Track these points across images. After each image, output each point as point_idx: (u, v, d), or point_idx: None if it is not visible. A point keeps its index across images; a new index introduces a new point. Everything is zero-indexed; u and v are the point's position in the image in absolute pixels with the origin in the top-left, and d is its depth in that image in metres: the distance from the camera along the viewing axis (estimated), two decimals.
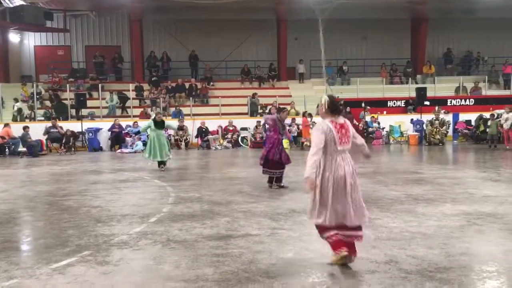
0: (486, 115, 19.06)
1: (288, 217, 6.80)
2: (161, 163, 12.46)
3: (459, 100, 22.77)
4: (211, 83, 24.56)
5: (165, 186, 9.74)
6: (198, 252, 5.15)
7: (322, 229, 4.71)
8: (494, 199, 7.77)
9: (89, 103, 21.65)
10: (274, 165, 9.27)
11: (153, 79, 23.64)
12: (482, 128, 19.15)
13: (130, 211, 7.33)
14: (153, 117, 13.63)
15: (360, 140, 4.86)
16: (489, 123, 18.30)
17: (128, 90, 22.40)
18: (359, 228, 4.66)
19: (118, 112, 22.39)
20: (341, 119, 4.69)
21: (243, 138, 20.51)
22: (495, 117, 18.02)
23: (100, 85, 22.23)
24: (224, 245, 5.38)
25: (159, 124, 12.53)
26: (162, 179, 10.71)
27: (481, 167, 11.57)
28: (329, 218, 4.54)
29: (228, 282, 4.29)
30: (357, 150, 4.88)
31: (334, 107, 4.68)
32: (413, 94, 21.51)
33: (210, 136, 19.71)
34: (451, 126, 20.13)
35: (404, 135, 20.29)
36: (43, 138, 18.87)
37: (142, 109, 22.03)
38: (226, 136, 20.16)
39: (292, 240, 5.60)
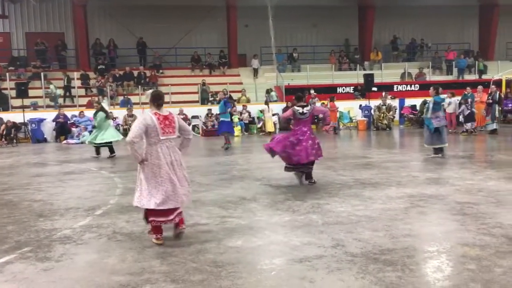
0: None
1: (238, 205, 6.78)
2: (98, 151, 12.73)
3: (405, 86, 23.48)
4: (161, 71, 24.10)
5: (112, 177, 9.48)
6: (145, 244, 5.04)
7: (152, 213, 5.03)
8: (436, 181, 8.06)
9: (31, 92, 20.72)
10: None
11: (99, 67, 22.90)
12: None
13: (75, 204, 7.08)
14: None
15: (187, 133, 5.40)
16: None
17: (73, 79, 21.59)
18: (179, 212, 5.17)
19: (70, 102, 21.59)
20: (166, 111, 5.14)
21: (194, 126, 20.29)
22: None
23: (42, 73, 21.29)
24: (172, 236, 5.29)
25: (95, 114, 12.99)
26: (110, 170, 10.42)
27: (425, 150, 11.96)
28: (158, 202, 4.93)
29: (176, 273, 4.22)
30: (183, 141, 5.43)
31: (156, 101, 5.12)
32: (361, 80, 21.96)
33: None
34: (397, 111, 20.73)
35: (353, 120, 20.72)
36: None
37: (89, 98, 21.31)
38: None
39: (241, 228, 5.59)
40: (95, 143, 12.66)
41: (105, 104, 13.85)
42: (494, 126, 16.23)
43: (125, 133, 18.89)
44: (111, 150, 12.74)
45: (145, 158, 5.02)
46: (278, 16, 22.96)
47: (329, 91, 22.38)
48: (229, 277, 4.10)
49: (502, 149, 12.95)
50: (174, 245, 4.98)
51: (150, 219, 5.08)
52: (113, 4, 24.11)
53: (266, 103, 20.13)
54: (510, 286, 3.72)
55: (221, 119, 14.48)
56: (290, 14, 24.59)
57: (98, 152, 12.76)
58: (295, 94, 8.84)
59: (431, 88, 11.47)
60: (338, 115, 19.89)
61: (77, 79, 21.91)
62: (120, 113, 19.66)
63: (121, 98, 21.43)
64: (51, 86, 21.02)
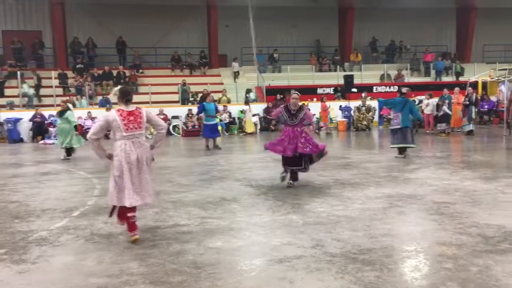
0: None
1: (218, 205, 6.75)
2: (68, 153, 12.44)
3: (384, 87, 23.75)
4: (140, 71, 23.89)
5: (90, 178, 9.35)
6: (124, 246, 4.98)
7: (121, 211, 5.10)
8: (414, 181, 8.17)
9: (7, 91, 20.32)
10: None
11: (77, 66, 22.59)
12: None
13: (52, 205, 6.95)
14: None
15: (159, 127, 5.35)
16: None
17: (50, 78, 21.24)
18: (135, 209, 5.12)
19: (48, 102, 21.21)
20: (132, 107, 5.10)
21: (174, 126, 20.19)
22: (416, 103, 18.93)
23: (19, 72, 20.89)
24: (151, 237, 5.24)
25: (61, 113, 12.53)
26: (88, 171, 10.27)
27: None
28: (127, 199, 4.95)
29: (154, 274, 4.18)
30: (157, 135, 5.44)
31: (125, 96, 5.11)
32: (342, 81, 22.13)
33: None
34: (377, 112, 20.96)
35: (334, 121, 20.86)
36: None
37: (67, 98, 20.96)
38: None
39: (221, 229, 5.56)
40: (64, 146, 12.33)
41: (71, 112, 12.94)
42: (471, 127, 16.54)
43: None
44: (69, 153, 12.42)
45: (111, 154, 5.08)
46: (259, 17, 22.98)
47: (309, 92, 22.49)
48: (209, 278, 4.08)
49: (478, 150, 13.19)
50: (153, 246, 4.93)
51: (127, 215, 5.09)
52: (92, 2, 23.80)
53: (247, 103, 20.14)
54: (485, 285, 3.79)
55: (210, 122, 14.06)
56: (270, 14, 24.65)
57: (69, 153, 12.47)
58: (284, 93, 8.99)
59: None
60: (329, 115, 19.90)
61: (55, 78, 21.55)
62: (99, 113, 19.38)
63: (100, 97, 21.16)
64: (24, 86, 20.64)
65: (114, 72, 22.87)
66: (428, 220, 5.72)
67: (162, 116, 19.87)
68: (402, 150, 11.11)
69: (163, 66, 24.90)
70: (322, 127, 19.07)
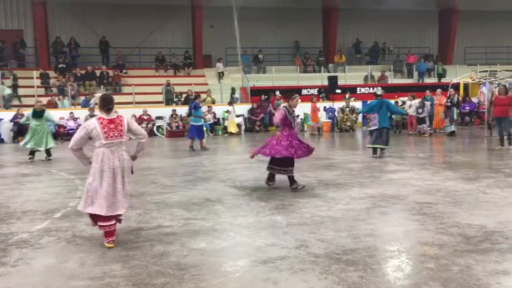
0: (392, 102, 20.14)
1: (202, 206, 6.72)
2: (47, 154, 12.27)
3: (368, 88, 23.91)
4: (124, 71, 23.67)
5: (72, 179, 9.23)
6: (106, 248, 4.92)
7: (95, 218, 5.01)
8: (397, 181, 8.24)
9: None
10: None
11: (59, 66, 22.30)
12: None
13: (33, 207, 6.84)
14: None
15: (140, 137, 5.22)
16: None
17: (32, 78, 20.94)
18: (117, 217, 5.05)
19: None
20: (113, 115, 5.02)
21: (158, 127, 20.06)
22: (399, 104, 19.14)
23: (0, 72, 20.55)
24: (134, 239, 5.20)
25: (38, 114, 12.22)
26: (70, 172, 10.13)
27: (386, 152, 12.23)
28: (101, 207, 4.87)
29: (137, 276, 4.14)
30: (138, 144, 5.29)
31: (106, 105, 5.01)
32: (326, 82, 22.23)
33: None
34: (360, 113, 21.08)
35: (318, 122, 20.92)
36: None
37: (49, 98, 20.69)
38: (141, 126, 19.55)
39: (205, 230, 5.54)
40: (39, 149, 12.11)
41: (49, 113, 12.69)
42: (453, 128, 16.75)
43: None
44: (33, 154, 12.23)
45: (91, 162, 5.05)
46: (244, 17, 22.95)
47: (294, 93, 22.51)
48: (193, 280, 4.05)
49: (460, 151, 13.37)
50: (136, 248, 4.89)
51: (98, 224, 5.01)
52: (74, 1, 23.53)
53: (231, 103, 20.10)
54: (466, 284, 3.83)
55: (197, 123, 13.93)
56: (255, 15, 24.66)
57: (49, 154, 12.32)
58: (286, 93, 8.66)
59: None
60: (319, 116, 19.93)
61: (37, 78, 21.24)
62: (81, 113, 19.18)
63: (82, 98, 20.92)
64: (1, 86, 20.30)
65: (97, 72, 22.61)
66: (411, 220, 5.77)
67: (146, 117, 19.79)
68: (376, 150, 11.46)
69: (147, 66, 24.73)
70: (312, 127, 19.18)
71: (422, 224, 5.55)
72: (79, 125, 18.25)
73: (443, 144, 14.80)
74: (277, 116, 7.90)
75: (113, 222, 4.98)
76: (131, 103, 20.74)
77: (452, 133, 16.53)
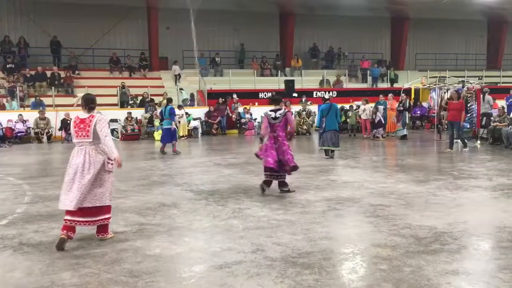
0: (347, 106, 20.58)
1: (158, 211, 6.60)
2: None
3: (323, 92, 24.28)
4: (77, 72, 22.97)
5: (21, 184, 8.85)
6: (55, 256, 4.73)
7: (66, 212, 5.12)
8: (352, 184, 8.39)
9: None
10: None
11: (8, 66, 21.39)
12: (343, 118, 20.63)
13: None
14: None
15: (104, 140, 5.11)
16: (349, 114, 19.78)
17: None
18: (85, 214, 5.08)
19: None
20: (86, 115, 5.15)
21: (113, 130, 19.55)
22: (354, 108, 19.56)
23: None
24: (86, 246, 5.03)
25: None
26: (18, 176, 9.73)
27: (341, 155, 12.45)
28: (65, 202, 5.02)
29: (88, 285, 4.00)
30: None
31: (86, 104, 5.20)
32: (283, 86, 22.41)
33: None
34: (317, 116, 21.35)
35: None
36: None
37: None
38: None
39: (160, 235, 5.43)
40: None
41: None
42: (405, 132, 17.26)
43: (36, 137, 17.85)
44: None
45: None
46: (200, 20, 22.83)
47: (251, 96, 22.61)
48: (147, 287, 3.96)
49: (412, 154, 13.78)
50: (87, 255, 4.73)
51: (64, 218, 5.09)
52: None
53: (181, 107, 19.33)
54: (417, 285, 3.93)
55: (169, 126, 13.60)
56: (212, 18, 24.56)
57: None
58: (272, 97, 8.71)
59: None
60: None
61: None
62: (31, 115, 18.50)
63: (32, 99, 20.15)
64: None
65: (48, 73, 21.84)
66: (365, 223, 5.88)
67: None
68: (328, 152, 11.95)
69: (101, 68, 24.11)
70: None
71: (376, 226, 5.66)
72: (29, 128, 17.83)
73: (395, 148, 15.22)
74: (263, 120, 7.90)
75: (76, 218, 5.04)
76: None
77: (404, 137, 17.02)
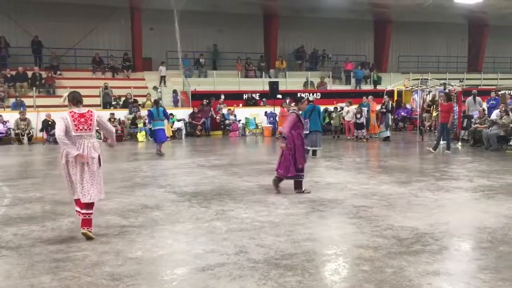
0: (331, 108, 20.69)
1: (140, 213, 6.54)
2: None
3: (308, 94, 24.37)
4: (58, 72, 22.68)
5: (0, 186, 8.69)
6: (35, 259, 4.65)
7: (77, 204, 5.34)
8: (335, 186, 8.42)
9: None
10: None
11: None
12: (327, 120, 20.73)
13: None
14: None
15: (109, 131, 5.81)
16: (333, 115, 19.89)
17: None
18: (90, 206, 5.32)
19: None
20: (83, 110, 5.40)
21: (96, 131, 19.35)
22: (338, 110, 19.66)
23: None
24: (66, 249, 4.95)
25: None
26: None
27: (325, 156, 12.50)
28: (73, 194, 5.33)
29: None
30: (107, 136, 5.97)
31: (73, 99, 5.43)
32: (267, 87, 22.44)
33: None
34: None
35: (259, 127, 21.09)
36: None
37: None
38: None
39: (142, 237, 5.38)
40: None
41: None
42: (387, 133, 17.40)
43: (17, 138, 17.56)
44: None
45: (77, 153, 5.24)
46: (184, 21, 22.73)
47: (235, 98, 22.59)
48: None
49: (394, 155, 13.89)
50: (67, 259, 4.65)
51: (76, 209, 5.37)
52: None
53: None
54: (399, 286, 3.95)
55: (160, 127, 13.48)
56: (196, 19, 24.48)
57: None
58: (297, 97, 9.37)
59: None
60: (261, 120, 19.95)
61: None
62: (11, 116, 18.20)
63: (12, 100, 19.83)
64: None
65: (29, 73, 21.52)
66: (348, 224, 5.90)
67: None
68: (315, 152, 12.24)
69: (83, 68, 23.84)
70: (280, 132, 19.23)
71: (359, 228, 5.69)
72: (9, 128, 17.53)
73: (378, 149, 15.33)
74: (290, 119, 7.77)
75: (91, 211, 5.29)
76: (66, 106, 19.82)
77: (386, 138, 17.16)
